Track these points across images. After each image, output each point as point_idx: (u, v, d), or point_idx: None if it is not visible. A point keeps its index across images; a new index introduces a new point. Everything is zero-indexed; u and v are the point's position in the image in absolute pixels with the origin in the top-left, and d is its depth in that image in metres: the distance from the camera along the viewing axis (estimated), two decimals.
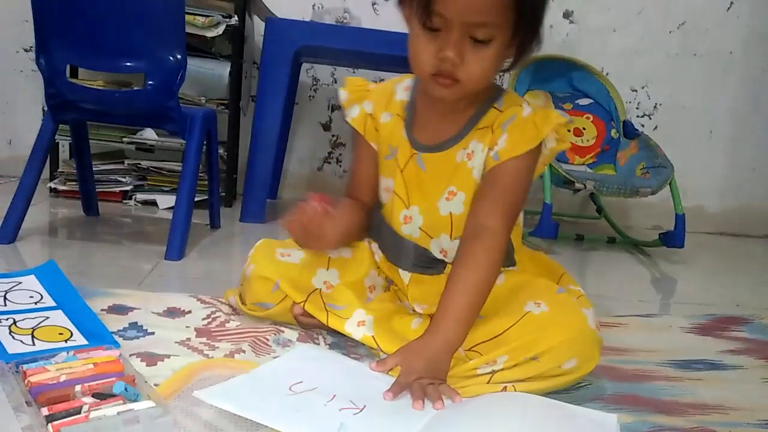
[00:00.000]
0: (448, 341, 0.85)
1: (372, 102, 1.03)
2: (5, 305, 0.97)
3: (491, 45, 0.85)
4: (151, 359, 0.85)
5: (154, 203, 2.03)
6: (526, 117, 0.92)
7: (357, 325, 0.96)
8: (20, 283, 1.06)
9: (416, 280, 1.00)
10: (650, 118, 2.53)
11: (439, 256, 0.98)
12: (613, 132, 2.21)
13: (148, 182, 2.08)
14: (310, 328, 1.00)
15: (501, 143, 0.92)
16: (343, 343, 0.99)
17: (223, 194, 2.07)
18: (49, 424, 0.64)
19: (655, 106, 2.52)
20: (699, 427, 0.83)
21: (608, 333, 1.15)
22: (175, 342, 0.93)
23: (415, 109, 0.99)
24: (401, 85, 1.02)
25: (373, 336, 0.94)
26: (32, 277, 1.08)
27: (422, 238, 0.98)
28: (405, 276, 1.01)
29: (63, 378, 0.73)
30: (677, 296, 1.70)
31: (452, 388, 0.82)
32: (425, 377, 0.81)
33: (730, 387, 0.98)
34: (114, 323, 0.97)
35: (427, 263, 0.99)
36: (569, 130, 2.19)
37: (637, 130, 2.21)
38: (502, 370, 0.85)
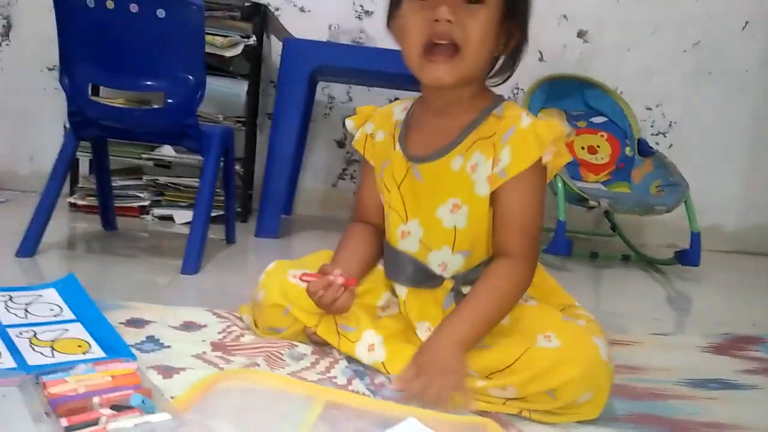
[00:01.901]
0: (455, 339, 0.85)
1: (373, 123, 1.06)
2: (26, 318, 0.99)
3: (486, 4, 0.84)
4: (167, 372, 0.86)
5: (171, 218, 2.05)
6: (526, 128, 0.90)
7: (368, 349, 0.95)
8: (41, 296, 1.08)
9: (414, 295, 0.99)
10: (665, 137, 2.52)
11: (438, 271, 0.97)
12: (627, 150, 2.21)
13: (166, 198, 2.11)
14: (324, 344, 1.01)
15: (505, 158, 0.90)
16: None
17: (239, 210, 2.10)
18: None
19: (670, 125, 2.52)
20: None
21: (622, 351, 1.15)
22: (191, 355, 0.94)
23: (409, 124, 1.01)
24: (400, 107, 1.05)
25: (383, 362, 0.93)
26: (52, 290, 1.10)
27: (421, 251, 0.98)
28: (402, 291, 1.00)
29: (81, 390, 0.75)
30: (692, 315, 1.68)
31: (467, 394, 0.81)
32: (437, 378, 0.80)
33: (746, 406, 0.97)
34: (131, 336, 0.98)
35: (424, 278, 0.98)
36: (583, 148, 2.19)
37: (651, 148, 2.20)
38: (516, 399, 0.84)
